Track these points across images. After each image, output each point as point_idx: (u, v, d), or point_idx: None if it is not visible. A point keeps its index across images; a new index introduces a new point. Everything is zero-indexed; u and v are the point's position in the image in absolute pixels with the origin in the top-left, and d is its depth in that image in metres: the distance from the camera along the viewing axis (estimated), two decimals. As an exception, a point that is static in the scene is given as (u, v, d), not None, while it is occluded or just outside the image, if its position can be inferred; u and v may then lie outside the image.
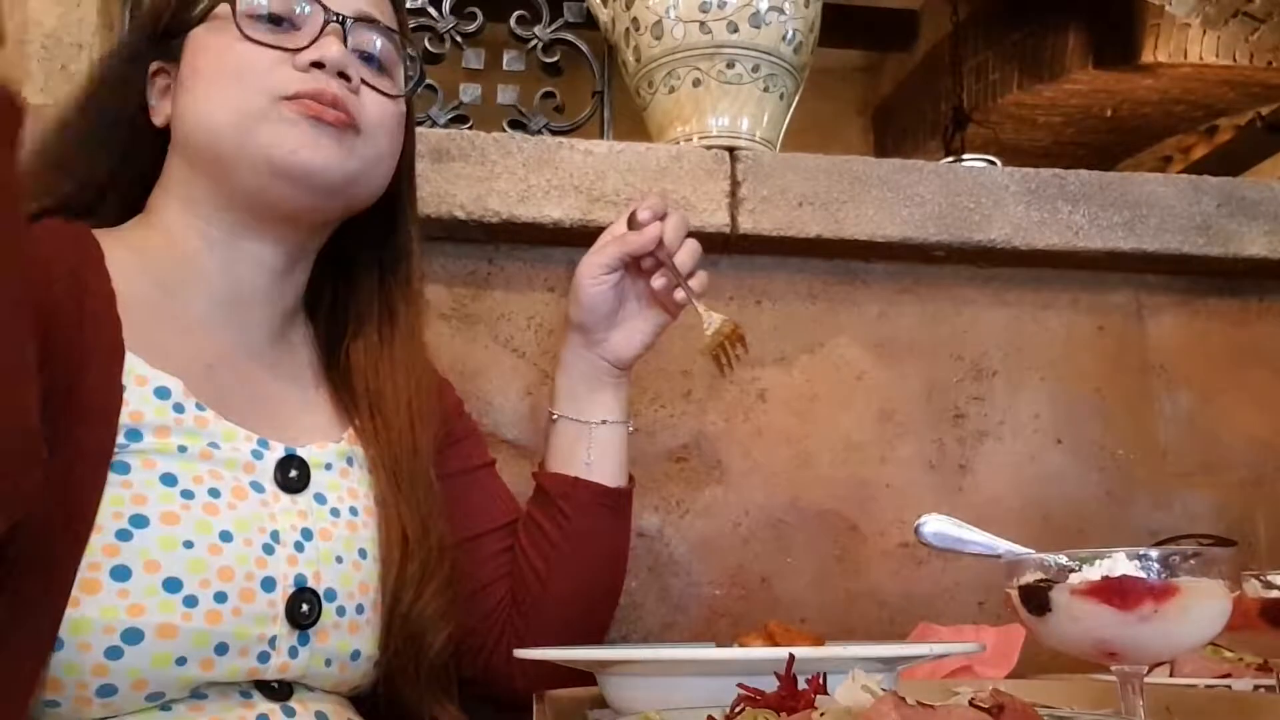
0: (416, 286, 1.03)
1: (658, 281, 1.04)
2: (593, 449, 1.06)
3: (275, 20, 0.91)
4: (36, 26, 1.29)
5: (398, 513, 0.93)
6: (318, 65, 0.89)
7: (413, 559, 0.92)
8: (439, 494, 0.98)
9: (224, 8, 0.90)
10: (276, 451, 0.89)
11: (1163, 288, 1.53)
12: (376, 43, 0.95)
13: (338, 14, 0.92)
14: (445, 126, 1.42)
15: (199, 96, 0.90)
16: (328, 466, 0.92)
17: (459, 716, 0.95)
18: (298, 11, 0.91)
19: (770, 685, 0.62)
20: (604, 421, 1.07)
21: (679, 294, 1.04)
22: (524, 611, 1.04)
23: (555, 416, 1.09)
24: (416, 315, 1.03)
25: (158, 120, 0.94)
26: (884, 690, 0.57)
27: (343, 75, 0.90)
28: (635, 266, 1.06)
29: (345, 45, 0.91)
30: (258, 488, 0.86)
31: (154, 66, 0.94)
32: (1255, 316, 1.55)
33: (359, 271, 1.03)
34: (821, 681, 0.62)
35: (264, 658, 0.83)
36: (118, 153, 0.95)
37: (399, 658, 0.91)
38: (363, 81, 0.92)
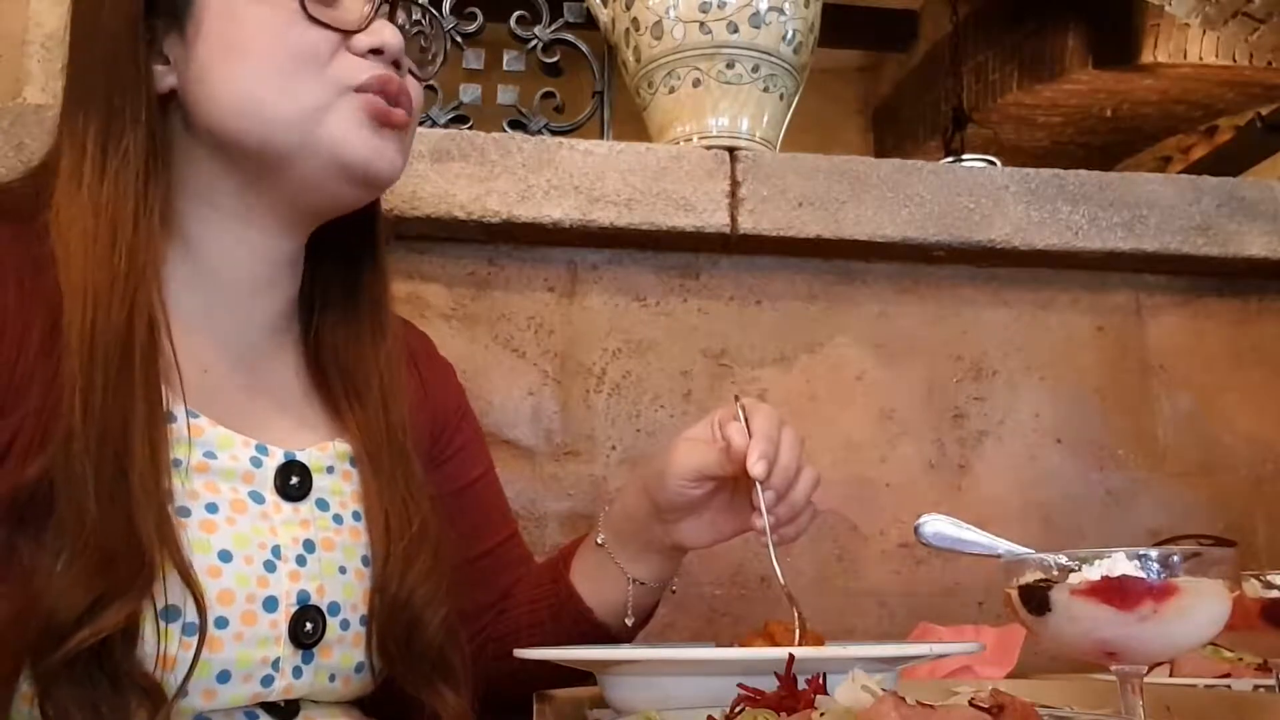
0: (383, 264, 0.96)
1: (758, 522, 0.91)
2: (633, 607, 0.99)
3: None
4: (37, 27, 1.29)
5: (378, 494, 0.87)
6: (375, 51, 0.83)
7: (397, 542, 0.86)
8: (419, 473, 0.91)
9: None
10: (276, 457, 0.84)
11: (1162, 288, 1.53)
12: (419, 22, 0.91)
13: None
14: (445, 126, 1.42)
15: (244, 79, 0.81)
16: (329, 470, 0.87)
17: (459, 705, 0.87)
18: None
19: (770, 685, 0.62)
20: (643, 584, 0.99)
21: (760, 530, 0.92)
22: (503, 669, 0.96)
23: (600, 541, 1.00)
24: (384, 290, 0.95)
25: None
26: (884, 690, 0.58)
27: (394, 63, 0.85)
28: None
29: (396, 27, 0.85)
30: (257, 498, 0.81)
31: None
32: (1255, 316, 1.55)
33: (323, 248, 0.94)
34: (821, 681, 0.62)
35: (268, 681, 0.78)
36: None
37: (393, 645, 0.85)
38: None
